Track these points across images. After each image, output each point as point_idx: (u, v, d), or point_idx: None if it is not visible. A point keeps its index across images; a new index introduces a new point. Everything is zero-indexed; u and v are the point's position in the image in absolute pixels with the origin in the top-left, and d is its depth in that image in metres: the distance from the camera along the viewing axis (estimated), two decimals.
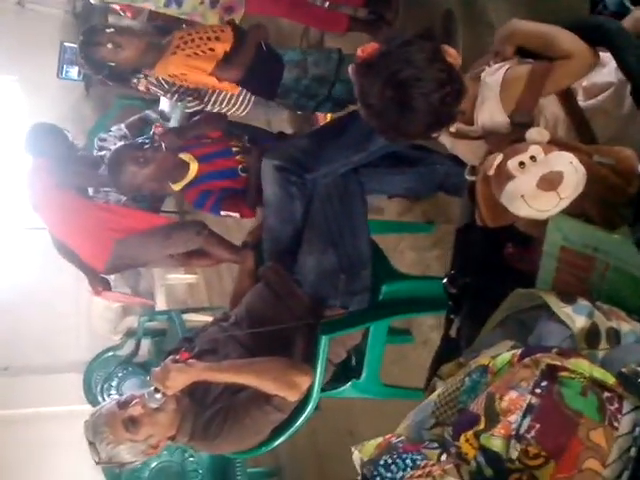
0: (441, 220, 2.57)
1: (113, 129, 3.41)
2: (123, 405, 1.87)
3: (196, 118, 2.70)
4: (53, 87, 5.24)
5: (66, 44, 4.82)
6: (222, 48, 2.38)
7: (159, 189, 2.61)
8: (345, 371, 2.14)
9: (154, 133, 2.64)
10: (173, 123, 2.80)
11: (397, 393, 2.22)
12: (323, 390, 2.01)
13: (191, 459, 3.07)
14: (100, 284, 3.17)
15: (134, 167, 2.43)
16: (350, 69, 1.38)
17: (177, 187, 2.55)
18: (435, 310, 2.09)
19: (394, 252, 2.79)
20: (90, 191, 3.33)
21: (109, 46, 2.41)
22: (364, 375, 2.10)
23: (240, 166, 2.52)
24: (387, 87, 1.28)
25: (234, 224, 4.48)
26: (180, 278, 5.25)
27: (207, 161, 2.53)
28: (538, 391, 0.89)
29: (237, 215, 2.51)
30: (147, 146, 2.48)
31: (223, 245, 3.16)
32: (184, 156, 2.52)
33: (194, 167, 2.51)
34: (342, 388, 2.13)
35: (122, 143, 2.84)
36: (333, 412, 3.09)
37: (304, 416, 1.95)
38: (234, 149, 2.57)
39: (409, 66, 1.28)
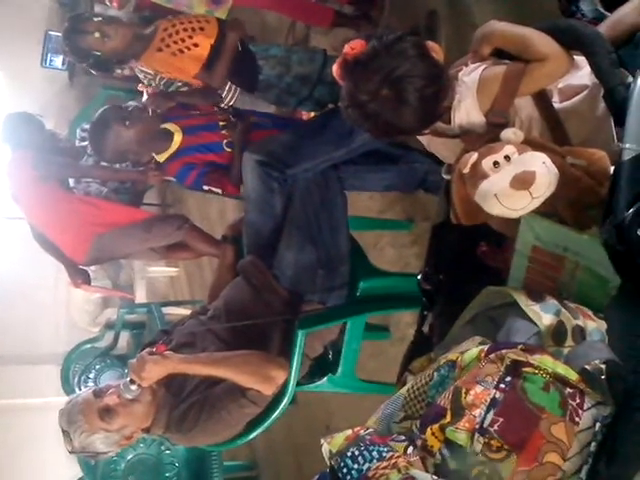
0: (421, 218, 2.60)
1: None
2: (99, 394, 1.87)
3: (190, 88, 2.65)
4: (37, 76, 5.20)
5: (51, 33, 4.78)
6: (207, 42, 2.36)
7: (142, 156, 2.55)
8: (322, 365, 2.15)
9: (144, 93, 2.61)
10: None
11: (373, 388, 2.23)
12: (299, 384, 2.02)
13: (167, 452, 3.05)
14: (79, 276, 3.15)
15: (118, 127, 2.39)
16: (335, 67, 1.35)
17: (161, 158, 2.50)
18: (412, 306, 2.10)
19: (374, 249, 2.81)
20: (71, 182, 3.31)
21: (96, 35, 2.39)
22: (340, 370, 2.11)
23: (225, 141, 2.46)
24: (384, 84, 1.28)
25: (217, 218, 4.48)
26: (161, 271, 5.24)
27: (192, 133, 2.47)
28: (502, 386, 0.91)
29: (219, 191, 2.45)
30: (133, 108, 2.45)
31: (204, 239, 3.16)
32: (169, 126, 2.47)
33: (178, 138, 2.45)
34: (318, 382, 2.14)
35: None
36: (310, 406, 3.11)
37: (279, 410, 1.96)
38: (221, 123, 2.51)
39: (405, 62, 1.28)
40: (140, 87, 2.77)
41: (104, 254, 3.13)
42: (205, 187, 2.46)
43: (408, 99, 1.28)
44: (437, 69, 1.32)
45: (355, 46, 1.32)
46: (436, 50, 1.33)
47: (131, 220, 3.09)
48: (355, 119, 1.35)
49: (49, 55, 4.80)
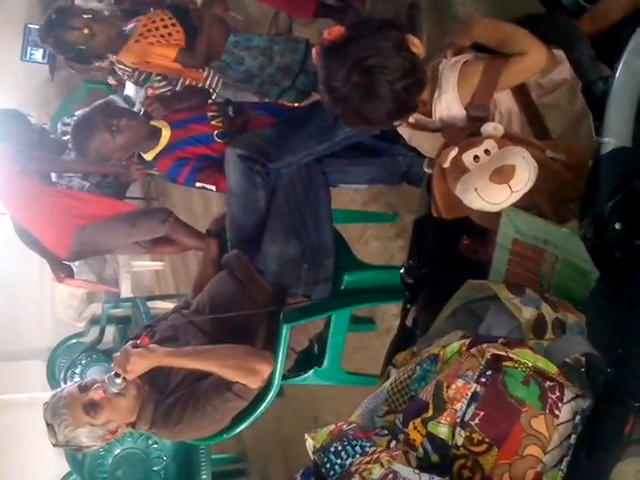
0: (405, 210, 2.60)
1: (77, 113, 3.36)
2: (84, 389, 1.88)
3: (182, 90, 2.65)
4: (17, 70, 5.14)
5: (31, 26, 4.72)
6: (181, 31, 2.42)
7: (127, 156, 2.54)
8: (308, 359, 2.16)
9: (146, 96, 2.60)
10: (137, 107, 2.80)
11: (358, 380, 2.24)
12: (285, 377, 2.03)
13: (155, 446, 3.06)
14: (63, 271, 3.13)
15: (106, 134, 2.30)
16: (314, 52, 1.37)
17: (149, 156, 2.43)
18: (396, 299, 2.11)
19: (359, 242, 2.81)
20: (53, 177, 3.28)
21: (85, 31, 2.40)
22: (326, 363, 2.11)
23: (216, 131, 2.39)
24: (353, 73, 1.28)
25: (201, 212, 4.46)
26: (146, 265, 5.21)
27: (181, 127, 2.41)
28: (483, 380, 0.91)
29: (213, 188, 2.38)
30: (124, 114, 2.36)
31: (189, 233, 3.16)
32: (156, 123, 2.41)
33: (167, 133, 2.38)
34: (304, 375, 2.14)
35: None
36: (298, 399, 3.12)
37: (265, 403, 1.96)
38: (209, 114, 2.45)
39: (376, 53, 1.28)
40: (110, 81, 2.75)
41: (87, 248, 3.11)
42: (198, 184, 2.40)
43: (377, 90, 1.29)
44: (412, 64, 1.31)
45: (333, 32, 1.33)
46: (416, 44, 1.33)
47: (114, 212, 3.07)
48: (327, 103, 1.37)
49: (29, 49, 4.74)
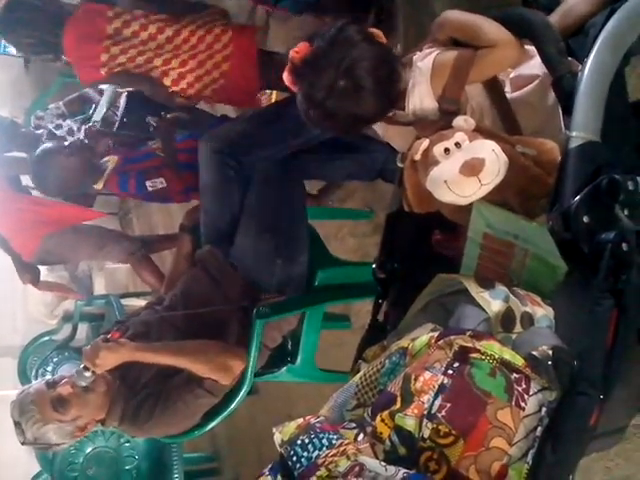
0: (381, 207, 2.60)
1: (51, 107, 3.31)
2: (52, 384, 1.86)
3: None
4: None
5: None
6: None
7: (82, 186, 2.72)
8: (281, 355, 2.15)
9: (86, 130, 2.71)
10: (104, 100, 2.81)
11: (332, 377, 2.23)
12: (258, 374, 2.02)
13: (127, 444, 3.02)
14: (27, 273, 3.10)
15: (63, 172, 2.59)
16: (285, 74, 1.35)
17: (99, 185, 2.68)
18: (370, 295, 2.08)
19: (335, 238, 2.81)
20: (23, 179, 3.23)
21: None
22: (299, 360, 2.11)
23: (157, 151, 2.65)
24: (338, 77, 1.28)
25: (178, 210, 4.42)
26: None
27: (135, 162, 2.67)
28: (450, 372, 0.91)
29: (162, 179, 2.62)
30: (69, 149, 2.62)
31: (152, 271, 3.17)
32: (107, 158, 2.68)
33: (113, 159, 2.65)
34: (277, 372, 2.14)
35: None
36: (272, 397, 3.11)
37: (237, 400, 1.95)
38: (158, 152, 2.68)
39: (351, 49, 1.28)
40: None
41: (51, 256, 3.11)
42: (149, 186, 2.62)
43: (364, 84, 1.29)
44: (384, 51, 1.33)
45: (300, 49, 1.32)
46: (379, 35, 1.34)
47: (81, 220, 3.06)
48: (317, 120, 1.35)
49: (2, 41, 4.67)
